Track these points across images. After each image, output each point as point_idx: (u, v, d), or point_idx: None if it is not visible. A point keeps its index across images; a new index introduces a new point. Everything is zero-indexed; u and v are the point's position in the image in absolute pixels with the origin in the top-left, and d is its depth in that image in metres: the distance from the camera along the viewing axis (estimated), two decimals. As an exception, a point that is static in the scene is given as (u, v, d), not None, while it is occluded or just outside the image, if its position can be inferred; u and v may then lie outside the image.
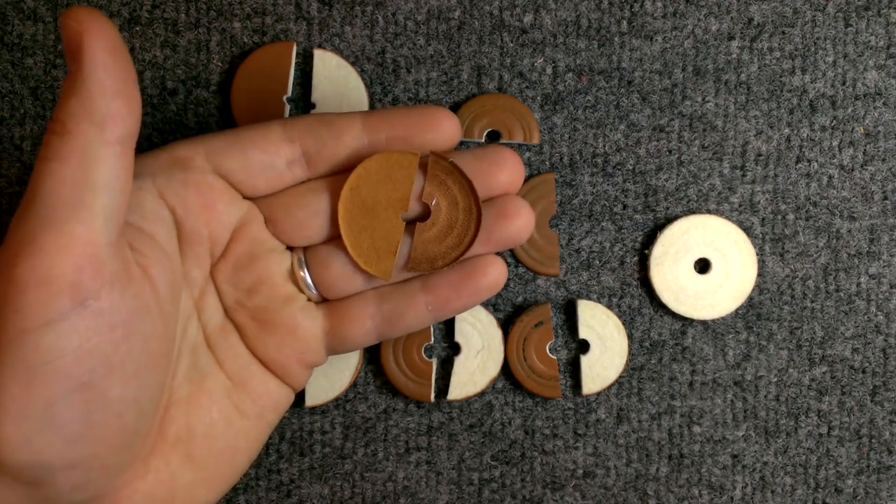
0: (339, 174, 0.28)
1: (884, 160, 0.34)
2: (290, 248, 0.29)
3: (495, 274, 0.28)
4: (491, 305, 0.34)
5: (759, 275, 0.34)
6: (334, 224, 0.28)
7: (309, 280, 0.28)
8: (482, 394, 0.34)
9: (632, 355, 0.34)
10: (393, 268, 0.28)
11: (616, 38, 0.33)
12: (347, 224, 0.28)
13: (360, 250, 0.28)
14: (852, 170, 0.34)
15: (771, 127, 0.33)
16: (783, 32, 0.33)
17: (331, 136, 0.27)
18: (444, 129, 0.27)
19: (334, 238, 0.28)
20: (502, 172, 0.28)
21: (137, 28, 0.33)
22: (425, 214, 0.28)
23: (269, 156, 0.27)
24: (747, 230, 0.34)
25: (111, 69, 0.22)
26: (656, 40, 0.33)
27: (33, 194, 0.22)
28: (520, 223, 0.28)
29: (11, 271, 0.22)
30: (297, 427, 0.34)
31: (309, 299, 0.29)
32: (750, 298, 0.34)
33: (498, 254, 0.30)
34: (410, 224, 0.28)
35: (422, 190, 0.28)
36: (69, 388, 0.23)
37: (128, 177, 0.23)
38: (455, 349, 0.33)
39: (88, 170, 0.22)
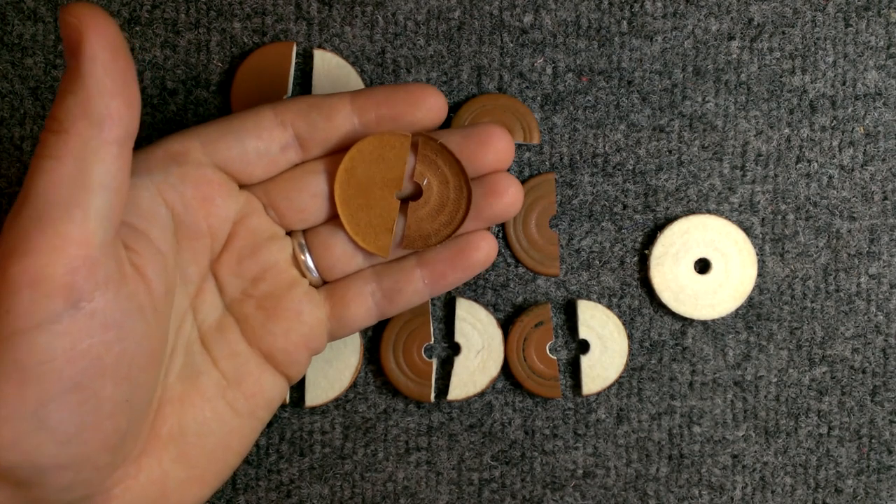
0: (332, 155, 0.28)
1: (884, 160, 0.34)
2: (288, 233, 0.29)
3: (486, 249, 0.29)
4: (491, 305, 0.34)
5: (759, 275, 0.34)
6: (333, 205, 0.28)
7: (310, 263, 0.29)
8: (482, 394, 0.34)
9: (632, 355, 0.34)
10: (391, 244, 0.28)
11: (616, 38, 0.33)
12: (344, 204, 0.28)
13: (358, 229, 0.28)
14: (852, 170, 0.34)
15: (771, 127, 0.33)
16: (783, 32, 0.33)
17: (321, 117, 0.27)
18: (430, 106, 0.27)
19: (332, 219, 0.29)
20: (490, 151, 0.28)
21: (137, 28, 0.33)
22: (418, 193, 0.29)
23: (264, 142, 0.27)
24: (747, 230, 0.34)
25: (111, 68, 0.22)
26: (656, 40, 0.33)
27: (28, 193, 0.22)
28: (508, 200, 0.29)
29: (4, 271, 0.22)
30: (297, 427, 0.34)
31: (310, 283, 0.29)
32: (750, 298, 0.34)
33: (492, 233, 0.31)
34: (404, 203, 0.29)
35: (413, 169, 0.28)
36: (61, 390, 0.23)
37: (125, 177, 0.23)
38: (455, 349, 0.33)
39: (84, 170, 0.22)
